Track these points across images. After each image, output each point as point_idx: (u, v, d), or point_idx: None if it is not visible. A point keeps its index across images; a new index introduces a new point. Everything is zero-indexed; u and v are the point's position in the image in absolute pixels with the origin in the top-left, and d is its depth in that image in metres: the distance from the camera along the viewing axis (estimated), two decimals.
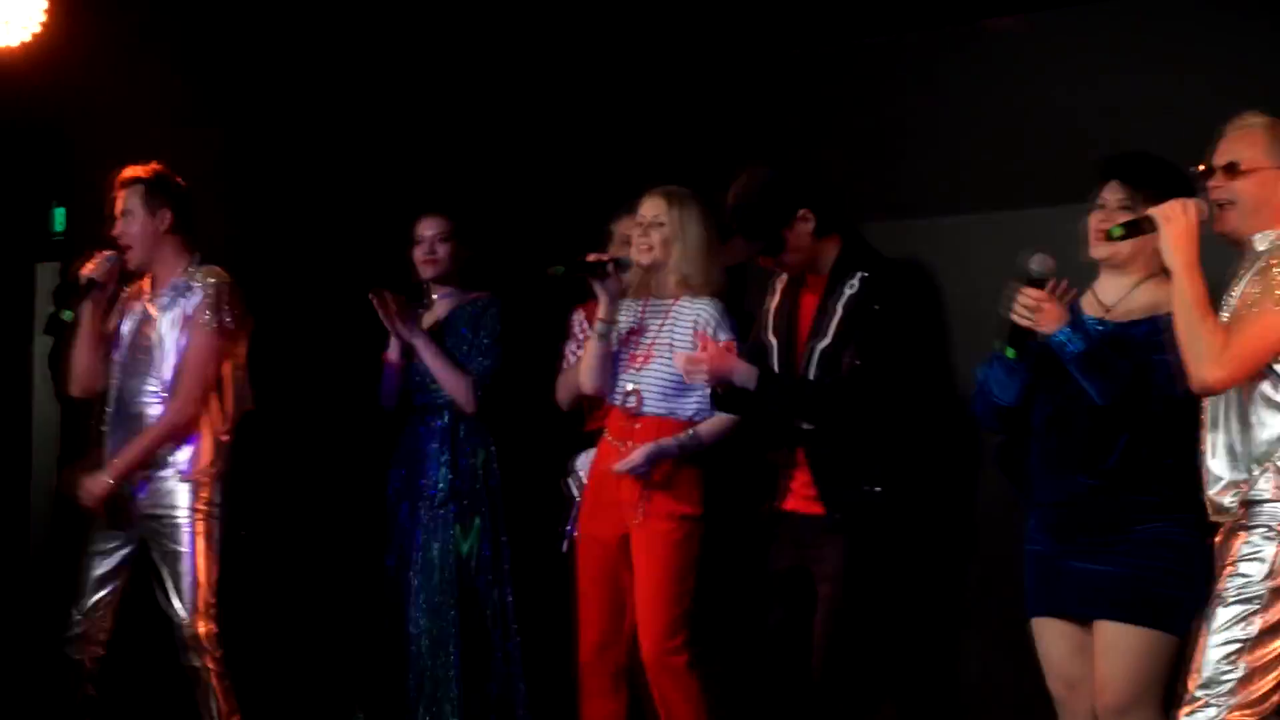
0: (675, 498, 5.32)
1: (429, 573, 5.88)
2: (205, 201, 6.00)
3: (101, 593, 5.58)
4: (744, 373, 5.01)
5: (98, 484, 5.51)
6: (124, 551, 5.61)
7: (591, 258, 5.34)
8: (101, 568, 5.59)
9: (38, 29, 6.23)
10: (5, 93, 6.75)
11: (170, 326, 5.57)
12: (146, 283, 5.68)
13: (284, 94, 6.78)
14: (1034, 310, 4.37)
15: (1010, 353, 4.43)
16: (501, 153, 6.76)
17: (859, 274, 5.02)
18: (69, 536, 6.25)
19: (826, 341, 5.01)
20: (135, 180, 5.60)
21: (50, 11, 6.21)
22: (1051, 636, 4.55)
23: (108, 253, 5.61)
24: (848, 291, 5.01)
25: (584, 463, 5.75)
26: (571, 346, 5.87)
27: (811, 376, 5.00)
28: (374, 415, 6.16)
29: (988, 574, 5.52)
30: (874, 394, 4.95)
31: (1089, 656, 4.44)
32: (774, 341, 5.14)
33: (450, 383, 5.88)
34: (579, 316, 5.90)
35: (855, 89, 6.02)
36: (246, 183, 6.87)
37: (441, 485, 5.88)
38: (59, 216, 7.29)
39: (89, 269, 5.57)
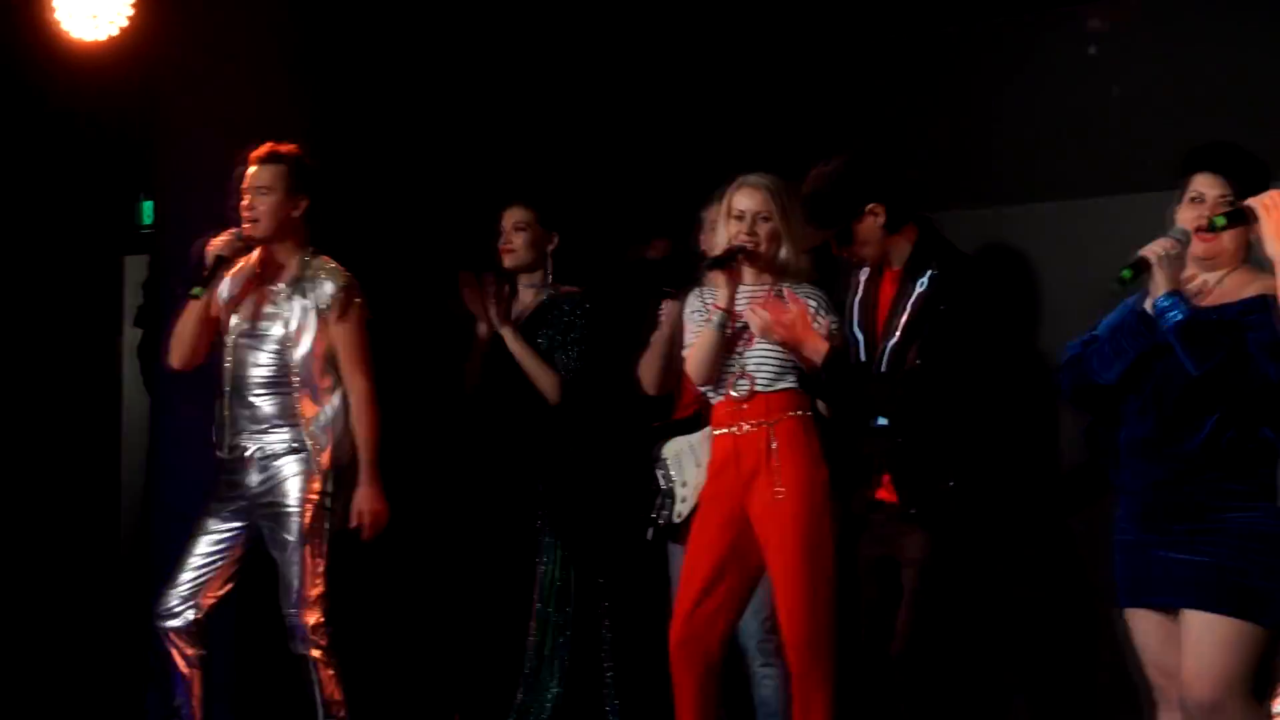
0: (798, 464, 5.22)
1: (530, 569, 5.90)
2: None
3: (201, 575, 5.58)
4: (814, 347, 5.02)
5: (367, 500, 5.55)
6: (229, 536, 5.62)
7: (722, 250, 5.31)
8: (205, 549, 5.60)
9: (124, 23, 6.30)
10: (93, 87, 6.82)
11: (302, 314, 5.57)
12: (259, 265, 5.65)
13: (371, 85, 6.81)
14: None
15: (1126, 274, 4.38)
16: (591, 141, 6.77)
17: (929, 271, 5.02)
18: (158, 528, 6.33)
19: (895, 339, 5.03)
20: (279, 157, 5.59)
21: (137, 6, 6.27)
22: (1145, 627, 4.53)
23: (234, 230, 5.60)
24: (917, 289, 5.03)
25: (672, 451, 5.74)
26: (657, 333, 5.85)
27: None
28: (464, 405, 6.17)
29: (1072, 563, 5.50)
30: (935, 393, 4.93)
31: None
32: (859, 336, 5.16)
33: (536, 375, 5.89)
34: (666, 307, 5.86)
35: (942, 76, 5.99)
36: (335, 171, 6.90)
37: (540, 480, 5.89)
38: (146, 210, 7.36)
39: (219, 245, 5.57)
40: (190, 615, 5.54)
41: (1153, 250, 4.39)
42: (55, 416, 7.29)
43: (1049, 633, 5.73)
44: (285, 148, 5.58)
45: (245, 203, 5.54)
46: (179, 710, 5.58)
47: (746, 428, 5.28)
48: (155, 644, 5.58)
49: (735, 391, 5.30)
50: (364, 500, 5.55)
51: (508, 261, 6.04)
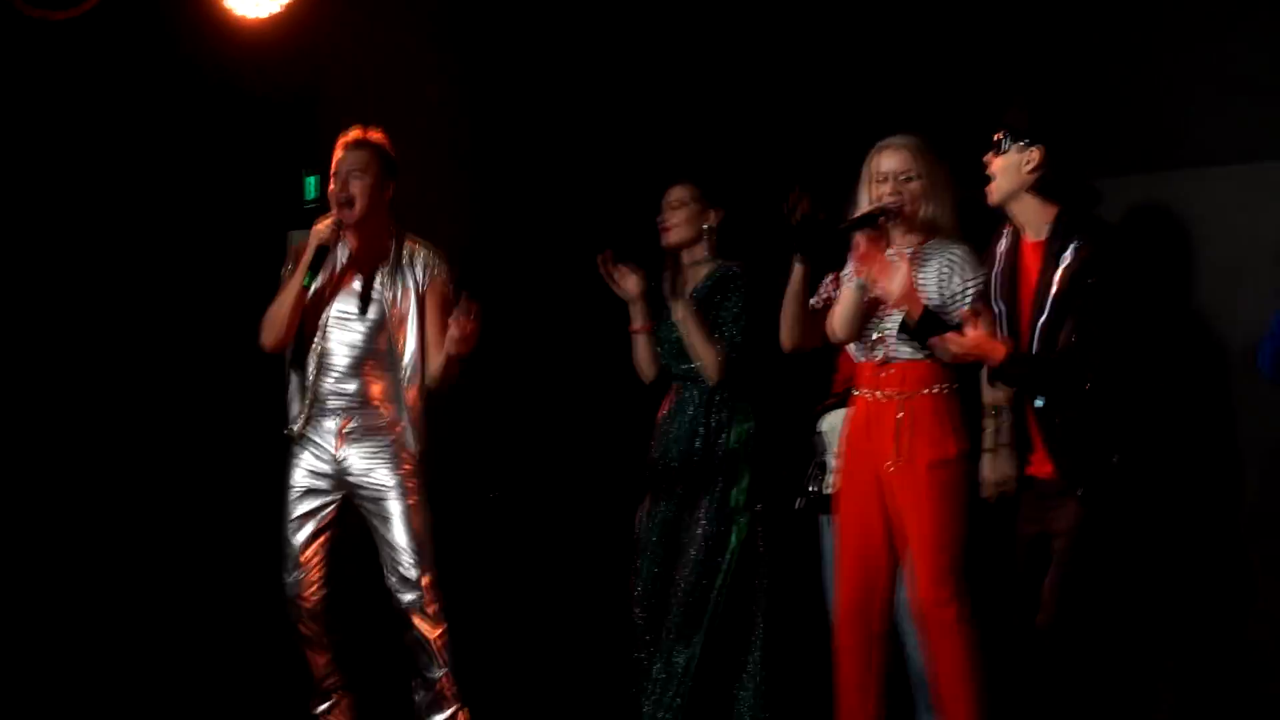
0: (932, 441, 5.27)
1: (687, 540, 5.88)
2: (451, 167, 6.06)
3: (310, 556, 5.67)
4: (991, 351, 4.93)
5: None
6: (324, 512, 5.69)
7: (864, 211, 5.29)
8: (307, 529, 5.69)
9: (287, 0, 6.34)
10: (257, 64, 6.89)
11: (397, 293, 5.62)
12: (353, 247, 5.70)
13: (532, 61, 6.81)
14: None
15: None
16: (751, 117, 6.72)
17: (1073, 243, 4.89)
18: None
19: (1045, 316, 4.92)
20: (368, 143, 5.67)
21: None
22: None
23: (331, 216, 5.66)
24: (1063, 264, 4.90)
25: (829, 424, 5.72)
26: (814, 299, 5.81)
27: (1034, 352, 4.90)
28: (625, 384, 6.16)
29: (1232, 540, 5.38)
30: (1093, 368, 4.82)
31: None
32: (1002, 307, 5.06)
33: (702, 352, 5.87)
34: (829, 280, 5.84)
35: (1116, 33, 5.87)
36: (494, 150, 6.92)
37: (700, 453, 5.87)
38: (311, 185, 7.41)
39: (322, 232, 5.64)
40: (313, 595, 5.62)
41: None
42: (221, 391, 7.39)
43: (1202, 610, 5.59)
44: (374, 134, 5.60)
45: (339, 187, 5.58)
46: (322, 686, 5.65)
47: (881, 396, 5.29)
48: (287, 620, 5.64)
49: (871, 355, 5.26)
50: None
51: (666, 239, 6.02)
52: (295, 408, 5.74)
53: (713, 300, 5.92)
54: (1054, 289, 4.89)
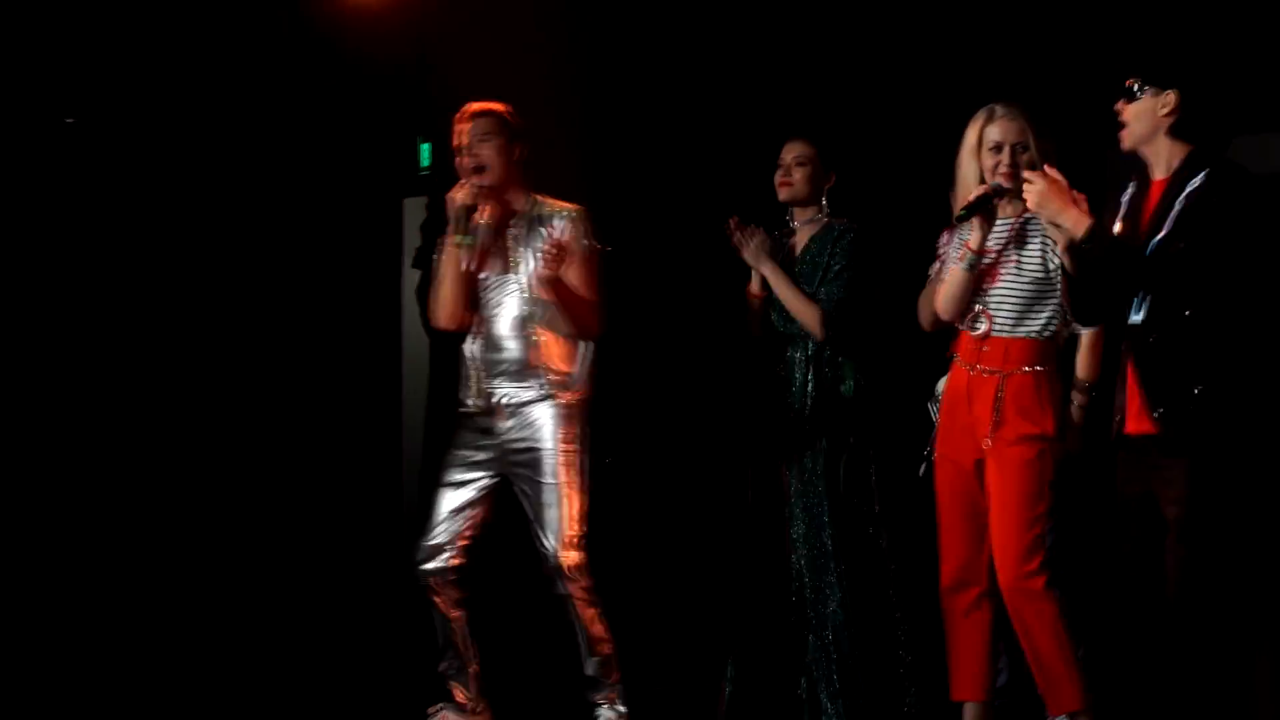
0: (1028, 418, 5.19)
1: (802, 502, 5.84)
2: (564, 132, 6.04)
3: (453, 524, 5.64)
4: (1077, 217, 4.82)
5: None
6: (479, 484, 5.68)
7: (978, 194, 5.20)
8: (455, 499, 5.68)
9: None
10: (371, 33, 6.91)
11: (537, 258, 5.59)
12: (494, 214, 5.68)
13: (643, 23, 6.77)
14: None
15: None
16: (869, 76, 6.65)
17: (1203, 173, 4.78)
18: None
19: (1162, 234, 4.79)
20: (490, 112, 5.62)
21: None
22: None
23: (466, 181, 5.64)
24: (1189, 186, 4.77)
25: (944, 387, 5.66)
26: (935, 266, 5.73)
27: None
28: (736, 345, 6.13)
29: None
30: (1200, 284, 4.71)
31: None
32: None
33: (799, 311, 5.82)
34: (945, 237, 5.75)
35: None
36: (606, 114, 6.90)
37: (809, 414, 5.83)
38: (425, 152, 7.44)
39: (462, 196, 5.60)
40: (446, 563, 5.60)
41: None
42: (338, 357, 7.44)
43: None
44: (491, 104, 5.59)
45: (467, 157, 5.56)
46: (448, 655, 5.67)
47: (981, 370, 5.24)
48: (419, 593, 5.66)
49: (973, 327, 5.24)
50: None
51: (784, 195, 5.96)
52: (461, 383, 5.71)
53: (821, 258, 5.87)
54: (1177, 208, 4.77)
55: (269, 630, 6.97)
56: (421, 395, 7.43)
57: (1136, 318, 4.80)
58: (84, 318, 7.04)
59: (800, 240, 5.94)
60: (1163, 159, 4.86)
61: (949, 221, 5.50)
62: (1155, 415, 4.73)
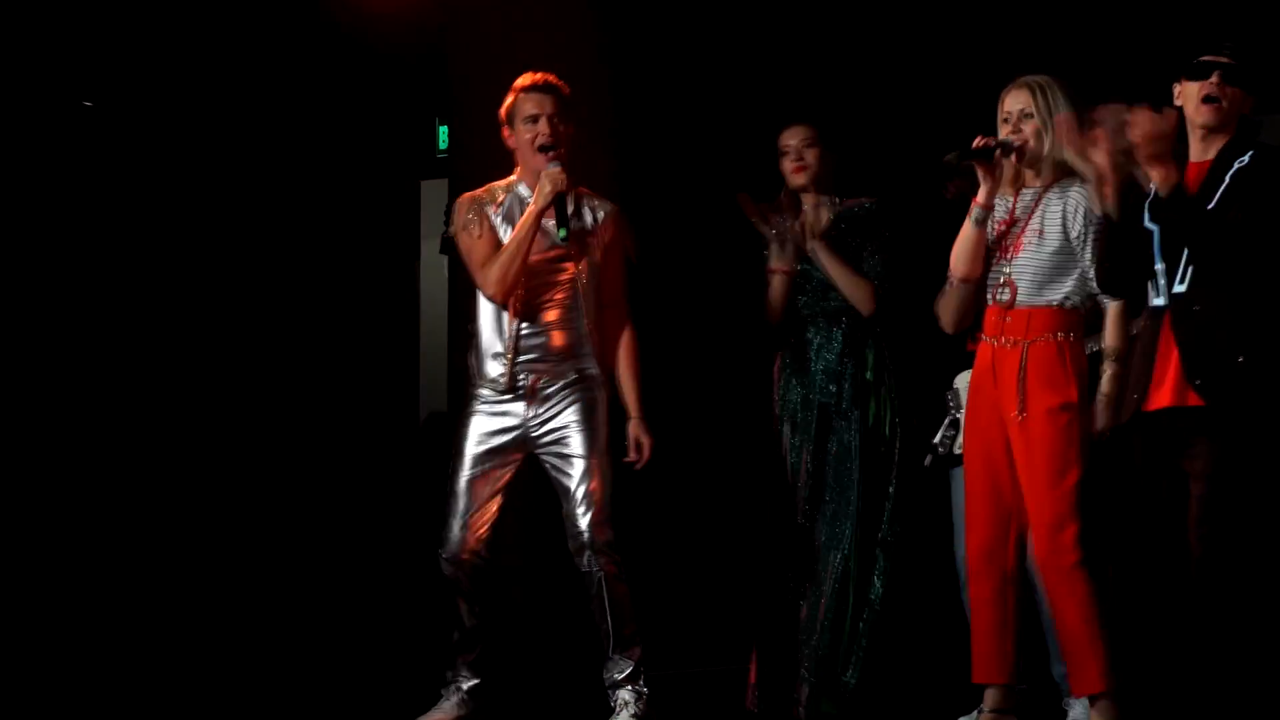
0: (1053, 388, 5.19)
1: (834, 480, 5.85)
2: (585, 115, 6.01)
3: (478, 511, 5.65)
4: (1168, 171, 4.79)
5: (641, 431, 5.61)
6: (503, 471, 5.68)
7: (979, 143, 5.22)
8: (480, 487, 5.67)
9: None
10: (389, 15, 6.90)
11: (581, 244, 5.58)
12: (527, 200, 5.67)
13: (658, 12, 6.77)
14: None
15: None
16: (865, 56, 6.64)
17: (1250, 153, 4.81)
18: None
19: (1211, 205, 4.79)
20: (552, 86, 5.55)
21: None
22: None
23: (551, 165, 5.60)
24: (1236, 165, 4.81)
25: (964, 381, 5.66)
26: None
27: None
28: (758, 327, 6.12)
29: None
30: (1250, 255, 4.72)
31: None
32: (1155, 228, 4.92)
33: (851, 287, 5.80)
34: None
35: None
36: (624, 100, 6.89)
37: (846, 395, 5.83)
38: (443, 134, 7.43)
39: (555, 179, 5.51)
40: (472, 549, 5.60)
41: None
42: (354, 338, 7.44)
43: None
44: (547, 76, 5.55)
45: (543, 127, 5.52)
46: (466, 640, 5.67)
47: (1005, 342, 5.26)
48: (442, 578, 5.66)
49: (998, 298, 5.26)
50: (638, 432, 5.62)
51: (801, 179, 5.94)
52: (489, 363, 5.68)
53: (849, 239, 5.85)
54: (1224, 184, 4.78)
55: (282, 625, 6.98)
56: (440, 378, 7.43)
57: (1180, 288, 4.81)
58: (100, 304, 7.04)
59: (813, 223, 5.93)
60: (1200, 141, 4.87)
61: (956, 209, 5.53)
62: (1195, 384, 4.73)
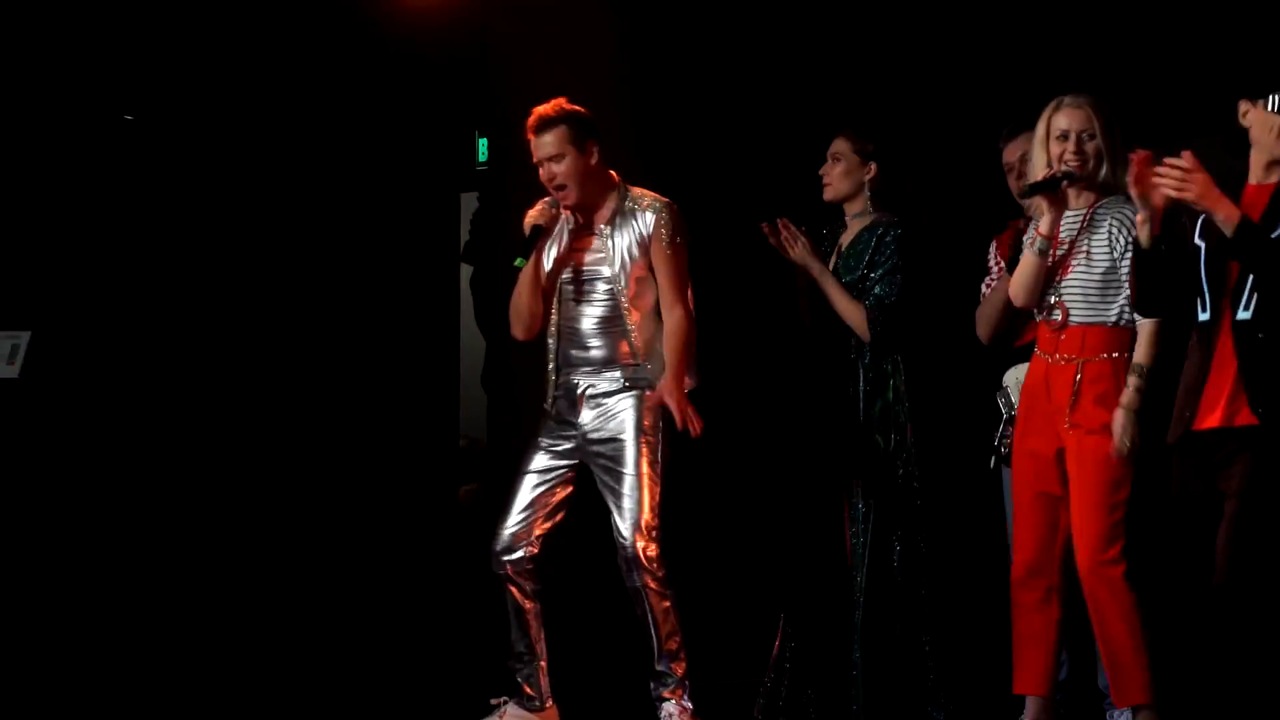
0: (1107, 405, 5.19)
1: (861, 497, 5.84)
2: (620, 128, 6.02)
3: (533, 513, 5.65)
4: (1230, 210, 4.76)
5: (668, 391, 5.52)
6: (559, 474, 5.68)
7: (1045, 174, 5.20)
8: (535, 489, 5.68)
9: None
10: (430, 27, 6.93)
11: (627, 253, 5.58)
12: (576, 217, 5.67)
13: (700, 16, 6.77)
14: None
15: None
16: (913, 71, 6.63)
17: None
18: (496, 460, 6.42)
19: (1277, 233, 4.76)
20: (554, 122, 5.54)
21: None
22: None
23: (548, 199, 5.62)
24: None
25: (1013, 379, 5.65)
26: (987, 281, 5.75)
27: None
28: (791, 342, 6.12)
29: None
30: None
31: None
32: (1201, 245, 4.89)
33: (845, 312, 5.79)
34: (994, 249, 5.76)
35: None
36: (663, 108, 6.90)
37: (860, 411, 5.82)
38: (483, 147, 7.45)
39: (534, 216, 5.60)
40: (524, 552, 5.61)
41: None
42: (395, 350, 7.46)
43: None
44: (553, 109, 5.53)
45: (544, 175, 5.54)
46: (519, 647, 5.67)
47: (1059, 359, 5.26)
48: (495, 583, 5.67)
49: (1049, 319, 5.26)
50: (673, 398, 5.49)
51: (826, 194, 5.95)
52: (546, 374, 5.71)
53: (865, 254, 5.84)
54: None
55: (332, 624, 6.99)
56: (478, 390, 7.44)
57: (1245, 315, 4.78)
58: (143, 310, 7.08)
59: (849, 235, 5.93)
60: (1262, 165, 4.84)
61: (994, 223, 5.52)
62: (1258, 412, 4.70)
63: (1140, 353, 5.20)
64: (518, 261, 5.51)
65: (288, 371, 7.27)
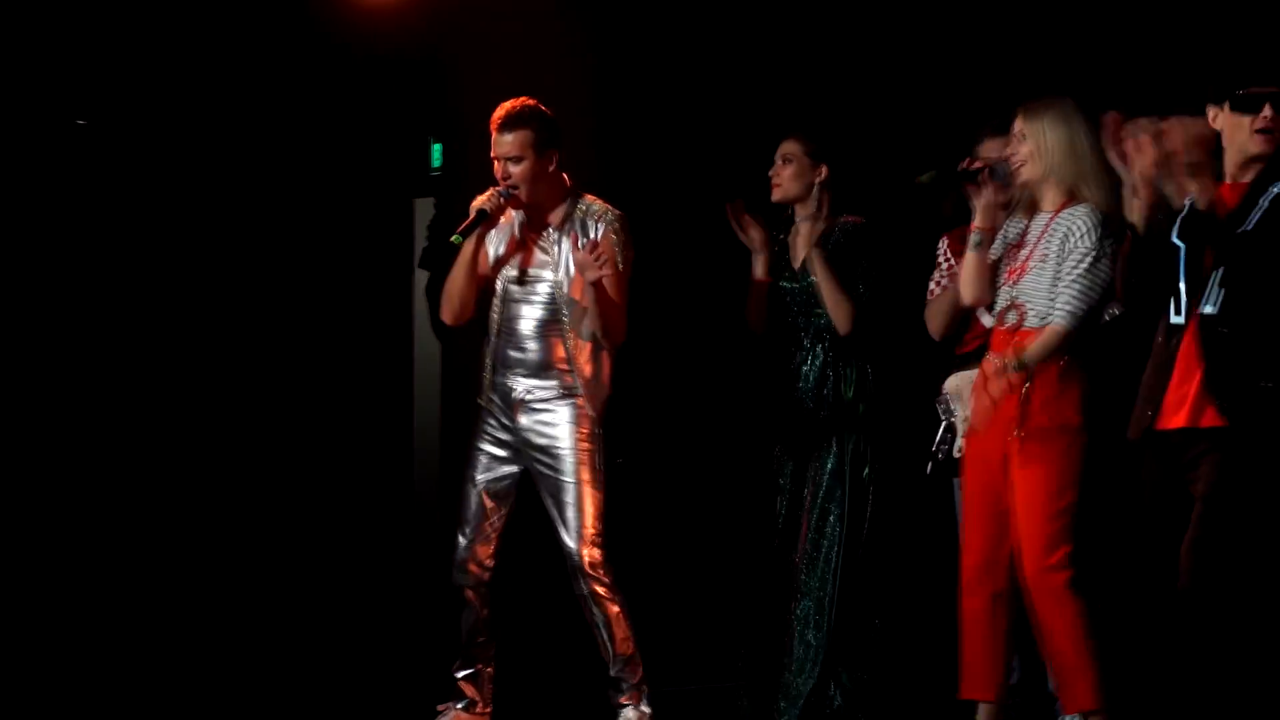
0: (1054, 410, 5.20)
1: (814, 501, 5.84)
2: (579, 132, 6.02)
3: (486, 519, 5.66)
4: (1207, 183, 4.78)
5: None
6: (506, 478, 5.69)
7: (963, 165, 5.24)
8: (485, 495, 5.68)
9: None
10: (383, 31, 6.91)
11: (572, 259, 5.56)
12: (523, 215, 5.67)
13: (656, 18, 6.78)
14: None
15: None
16: (864, 73, 6.65)
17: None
18: (451, 466, 6.40)
19: (1248, 229, 4.78)
20: (520, 124, 5.54)
21: None
22: None
23: (500, 188, 5.61)
24: (1274, 189, 4.80)
25: (954, 385, 5.66)
26: (935, 278, 5.76)
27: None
28: (742, 341, 6.12)
29: None
30: None
31: None
32: (1181, 245, 4.91)
33: (836, 304, 5.79)
34: (944, 245, 5.78)
35: None
36: (618, 112, 6.90)
37: (827, 405, 5.82)
38: (436, 152, 7.43)
39: (482, 200, 5.59)
40: (483, 558, 5.62)
41: None
42: (348, 357, 7.43)
43: None
44: (522, 110, 5.52)
45: (499, 171, 5.54)
46: (469, 653, 5.66)
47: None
48: (450, 590, 5.66)
49: (1005, 323, 5.28)
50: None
51: (774, 195, 5.96)
52: (483, 376, 5.71)
53: (837, 258, 5.84)
54: (1262, 207, 4.77)
55: (279, 629, 6.96)
56: (433, 395, 7.42)
57: (1209, 309, 4.80)
58: (94, 317, 7.04)
59: (802, 236, 5.93)
60: (1237, 165, 4.86)
61: (946, 221, 5.54)
62: (1219, 406, 4.72)
63: (1033, 349, 5.20)
64: (455, 238, 5.51)
65: (240, 377, 7.24)
